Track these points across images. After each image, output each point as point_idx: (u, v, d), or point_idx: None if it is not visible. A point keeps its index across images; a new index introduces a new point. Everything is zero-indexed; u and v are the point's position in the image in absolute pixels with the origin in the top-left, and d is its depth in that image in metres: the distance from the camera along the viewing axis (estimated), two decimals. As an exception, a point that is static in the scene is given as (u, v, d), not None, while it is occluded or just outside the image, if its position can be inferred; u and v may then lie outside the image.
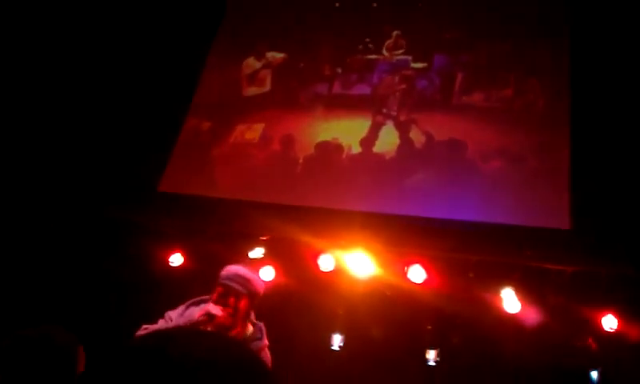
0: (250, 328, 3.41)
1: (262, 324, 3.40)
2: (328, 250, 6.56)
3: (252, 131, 7.47)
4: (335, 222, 6.50)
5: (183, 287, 7.13)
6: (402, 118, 7.04)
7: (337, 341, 7.06)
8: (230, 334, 3.17)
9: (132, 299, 7.08)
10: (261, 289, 3.46)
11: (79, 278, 6.99)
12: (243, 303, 3.31)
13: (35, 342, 2.22)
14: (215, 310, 3.26)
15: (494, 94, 6.95)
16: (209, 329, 3.14)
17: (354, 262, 6.51)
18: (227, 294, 3.32)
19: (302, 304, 6.89)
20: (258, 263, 6.59)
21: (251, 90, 7.85)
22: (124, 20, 7.95)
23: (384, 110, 7.13)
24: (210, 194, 7.12)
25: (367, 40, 7.64)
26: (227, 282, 3.36)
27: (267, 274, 6.66)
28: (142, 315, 6.82)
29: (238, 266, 3.50)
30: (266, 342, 3.40)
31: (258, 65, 7.91)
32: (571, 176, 6.22)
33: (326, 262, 6.56)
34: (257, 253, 6.76)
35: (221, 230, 6.89)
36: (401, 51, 7.47)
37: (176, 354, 0.99)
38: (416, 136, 6.89)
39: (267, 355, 3.32)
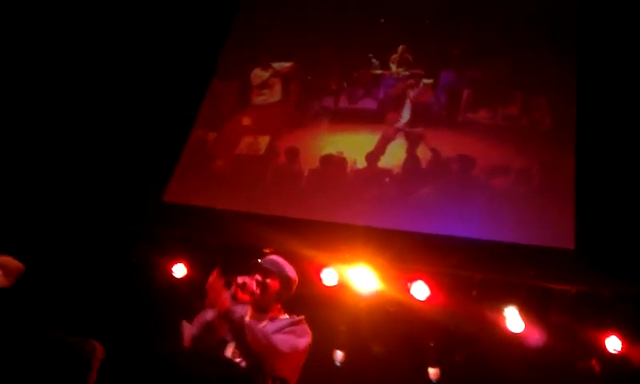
0: (286, 315, 3.47)
1: (302, 317, 3.42)
2: (331, 265, 6.54)
3: (258, 143, 7.48)
4: (339, 236, 6.48)
5: (186, 298, 7.15)
6: (411, 133, 7.04)
7: (338, 357, 7.01)
8: (264, 315, 3.33)
9: (134, 309, 7.07)
10: (292, 274, 3.55)
11: (82, 287, 6.97)
12: (272, 282, 3.41)
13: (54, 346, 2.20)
14: (246, 279, 3.39)
15: (499, 112, 6.94)
16: (241, 296, 3.31)
17: (357, 277, 6.48)
18: (256, 271, 3.46)
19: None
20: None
21: (260, 99, 7.85)
22: (131, 33, 7.98)
23: (396, 124, 7.13)
24: (215, 206, 7.11)
25: (373, 55, 7.66)
26: (257, 263, 3.50)
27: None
28: (144, 325, 6.84)
29: (272, 255, 3.64)
30: (304, 332, 3.38)
31: (265, 75, 7.93)
32: (576, 195, 6.20)
33: (329, 277, 6.54)
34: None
35: (224, 241, 6.87)
36: (406, 66, 7.48)
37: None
38: (422, 152, 6.89)
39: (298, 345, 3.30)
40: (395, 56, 7.57)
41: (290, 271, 3.54)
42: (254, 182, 7.24)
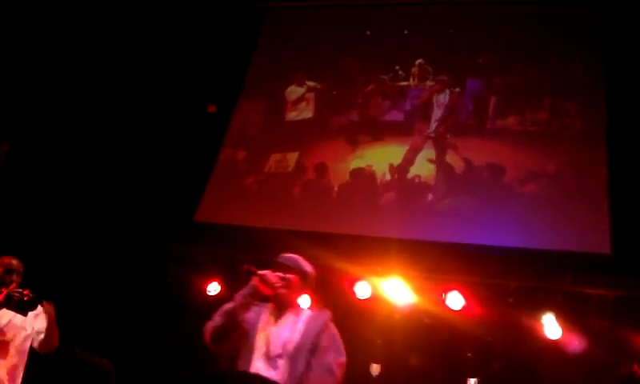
0: (307, 310, 3.56)
1: (327, 312, 3.50)
2: (364, 278, 6.53)
3: (286, 160, 7.52)
4: (371, 249, 6.48)
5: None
6: (439, 142, 7.03)
7: (375, 370, 6.98)
8: (284, 312, 3.38)
9: (170, 328, 7.13)
10: (309, 268, 3.58)
11: (117, 306, 7.05)
12: (293, 277, 3.44)
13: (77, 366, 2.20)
14: (266, 272, 3.42)
15: (528, 117, 6.90)
16: (261, 289, 3.35)
17: (391, 290, 6.46)
18: (275, 268, 3.48)
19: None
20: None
21: (294, 114, 7.91)
22: (161, 55, 8.10)
23: (424, 135, 7.12)
24: (246, 223, 7.15)
25: (398, 67, 7.67)
26: (276, 261, 3.54)
27: (303, 301, 6.64)
28: (180, 343, 6.89)
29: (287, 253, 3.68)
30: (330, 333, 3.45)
31: (301, 91, 7.99)
32: (610, 198, 6.12)
33: (362, 290, 6.53)
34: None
35: (257, 258, 6.88)
36: (430, 78, 7.48)
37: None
38: (452, 161, 6.87)
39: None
40: (415, 69, 7.58)
41: (307, 266, 3.58)
42: (285, 199, 7.29)
